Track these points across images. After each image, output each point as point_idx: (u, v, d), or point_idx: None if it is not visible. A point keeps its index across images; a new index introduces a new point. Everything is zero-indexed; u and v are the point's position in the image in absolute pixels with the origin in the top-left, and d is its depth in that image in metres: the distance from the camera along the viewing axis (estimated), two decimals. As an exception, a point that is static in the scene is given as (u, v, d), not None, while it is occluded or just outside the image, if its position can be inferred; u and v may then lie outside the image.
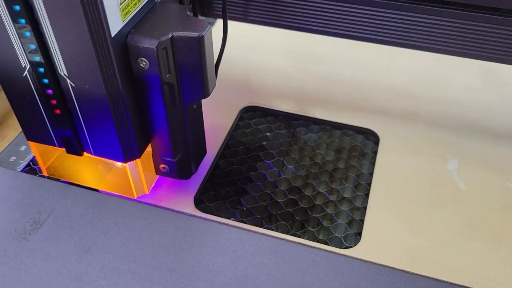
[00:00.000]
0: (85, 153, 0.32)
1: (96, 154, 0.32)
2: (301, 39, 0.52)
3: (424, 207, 0.35)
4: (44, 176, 0.38)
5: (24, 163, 0.39)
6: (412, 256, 0.32)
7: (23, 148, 0.41)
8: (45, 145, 0.33)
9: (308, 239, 0.34)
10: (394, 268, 0.30)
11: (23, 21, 0.26)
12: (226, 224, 0.34)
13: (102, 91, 0.28)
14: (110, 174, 0.34)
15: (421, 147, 0.40)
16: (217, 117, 0.42)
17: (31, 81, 0.29)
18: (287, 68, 0.48)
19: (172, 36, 0.28)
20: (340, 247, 0.34)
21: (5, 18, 0.26)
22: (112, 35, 0.26)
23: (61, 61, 0.27)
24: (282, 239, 0.32)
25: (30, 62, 0.28)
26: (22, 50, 0.27)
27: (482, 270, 0.31)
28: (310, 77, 0.47)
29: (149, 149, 0.34)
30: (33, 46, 0.27)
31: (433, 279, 0.27)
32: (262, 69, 0.48)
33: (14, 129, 0.44)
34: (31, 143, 0.34)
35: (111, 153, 0.31)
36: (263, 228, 0.35)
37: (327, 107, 0.43)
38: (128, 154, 0.31)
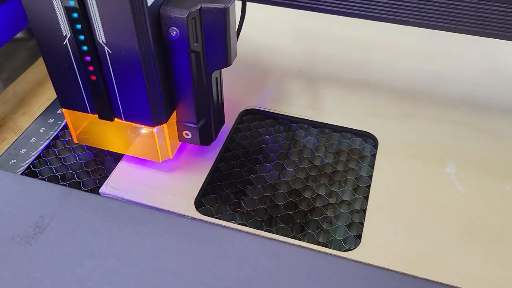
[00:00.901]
0: (115, 119, 0.35)
1: (126, 119, 0.35)
2: (300, 43, 0.52)
3: (423, 210, 0.35)
4: (44, 179, 0.38)
5: (24, 165, 0.39)
6: (412, 259, 0.33)
7: (23, 151, 0.41)
8: (78, 112, 0.36)
9: (308, 241, 0.34)
10: (396, 272, 0.30)
11: None
12: (228, 227, 0.34)
13: (136, 58, 0.30)
14: (138, 139, 0.37)
15: (420, 151, 0.40)
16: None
17: (71, 49, 0.32)
18: (286, 72, 0.48)
19: (201, 7, 0.30)
20: (340, 250, 0.34)
21: None
22: (149, 5, 0.29)
23: (101, 29, 0.30)
24: (284, 242, 0.33)
25: (72, 31, 0.30)
26: (65, 19, 0.30)
27: (482, 273, 0.32)
28: (309, 80, 0.47)
29: (173, 118, 0.36)
30: (76, 15, 0.29)
31: (434, 282, 0.27)
32: (262, 73, 0.48)
33: (14, 132, 0.44)
34: (65, 111, 0.36)
35: (141, 118, 0.34)
36: (263, 230, 0.35)
37: (326, 110, 0.44)
38: (156, 119, 0.34)
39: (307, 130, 0.42)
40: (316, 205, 0.37)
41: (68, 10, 0.29)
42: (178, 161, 0.39)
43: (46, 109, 0.45)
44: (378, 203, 0.36)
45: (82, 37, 0.30)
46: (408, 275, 0.30)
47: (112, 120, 0.35)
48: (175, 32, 0.31)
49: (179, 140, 0.38)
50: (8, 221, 0.28)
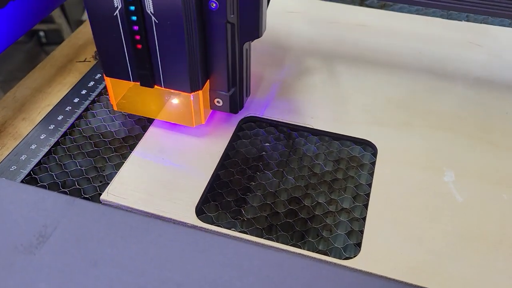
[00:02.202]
0: (155, 86, 0.39)
1: (165, 86, 0.38)
2: (299, 51, 0.53)
3: (422, 218, 0.36)
4: (45, 186, 0.38)
5: (24, 172, 0.39)
6: (411, 267, 0.33)
7: (23, 157, 0.41)
8: (119, 81, 0.39)
9: (308, 249, 0.35)
10: (396, 280, 0.30)
11: None
12: (230, 236, 0.34)
13: (181, 27, 0.34)
14: (174, 105, 0.40)
15: (418, 159, 0.40)
16: (217, 128, 0.43)
17: (120, 19, 0.35)
18: (285, 79, 0.49)
19: None
20: (340, 258, 0.34)
21: None
22: None
23: (150, 0, 0.33)
24: (287, 251, 0.33)
25: (124, 2, 0.34)
26: None
27: (480, 281, 0.32)
28: (308, 88, 0.47)
29: (206, 87, 0.40)
30: None
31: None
32: (261, 81, 0.48)
33: (13, 138, 0.44)
34: (108, 79, 0.40)
35: (179, 84, 0.38)
36: (264, 238, 0.35)
37: (326, 118, 0.44)
38: (193, 85, 0.38)
39: (307, 138, 0.43)
40: (316, 213, 0.37)
41: None
42: (179, 169, 0.39)
43: (46, 115, 0.45)
44: (377, 211, 0.36)
45: (132, 8, 0.34)
46: (410, 284, 0.30)
47: (152, 87, 0.38)
48: (214, 4, 0.34)
49: (210, 107, 0.42)
50: (12, 230, 0.28)
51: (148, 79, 0.38)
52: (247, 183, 0.39)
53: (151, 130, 0.43)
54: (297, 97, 0.46)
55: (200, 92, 0.38)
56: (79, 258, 0.26)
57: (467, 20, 0.57)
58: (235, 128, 0.43)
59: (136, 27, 0.35)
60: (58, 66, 0.52)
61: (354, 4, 0.60)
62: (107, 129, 0.44)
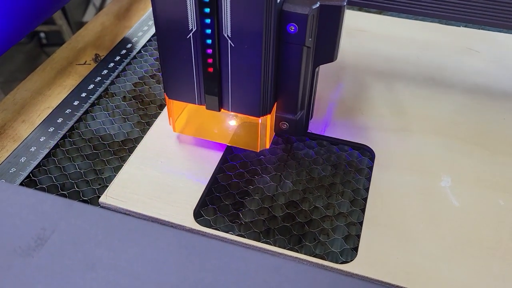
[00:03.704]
0: (221, 109, 0.37)
1: (233, 109, 0.37)
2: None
3: (419, 223, 0.36)
4: (44, 188, 0.38)
5: (24, 174, 0.40)
6: (407, 271, 0.33)
7: (23, 159, 0.41)
8: (181, 103, 0.38)
9: (305, 253, 0.35)
10: (394, 285, 0.30)
11: None
12: (228, 240, 0.35)
13: (258, 52, 0.32)
14: (239, 129, 0.39)
15: (416, 164, 0.40)
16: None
17: (193, 42, 0.33)
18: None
19: (320, 5, 0.33)
20: (336, 262, 0.34)
21: None
22: (277, 1, 0.31)
23: (229, 23, 0.32)
24: (284, 255, 0.33)
25: (201, 25, 0.32)
26: (195, 13, 0.32)
27: (476, 285, 0.32)
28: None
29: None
30: (208, 10, 0.31)
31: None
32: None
33: (13, 140, 0.44)
34: (170, 102, 0.38)
35: (248, 108, 0.36)
36: (261, 242, 0.35)
37: (324, 123, 0.44)
38: (263, 110, 0.36)
39: (305, 142, 0.43)
40: (314, 217, 0.37)
41: (201, 5, 0.31)
42: (177, 173, 0.39)
43: (46, 117, 0.45)
44: (374, 215, 0.37)
45: (209, 31, 0.32)
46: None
47: (219, 110, 0.37)
48: (293, 28, 0.33)
49: (275, 131, 0.40)
50: (10, 232, 0.28)
51: (215, 103, 0.36)
52: (245, 187, 0.39)
53: (150, 134, 0.43)
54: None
55: (268, 116, 0.37)
56: (76, 261, 0.27)
57: (465, 26, 0.58)
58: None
59: (210, 50, 0.33)
60: (58, 68, 0.53)
61: (353, 10, 0.61)
62: (106, 132, 0.44)
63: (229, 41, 0.32)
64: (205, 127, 0.40)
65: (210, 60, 0.34)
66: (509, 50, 0.53)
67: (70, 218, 0.29)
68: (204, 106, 0.37)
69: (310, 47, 0.34)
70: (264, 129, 0.38)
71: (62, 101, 0.47)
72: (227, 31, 0.32)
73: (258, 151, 0.39)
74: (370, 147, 0.42)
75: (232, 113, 0.37)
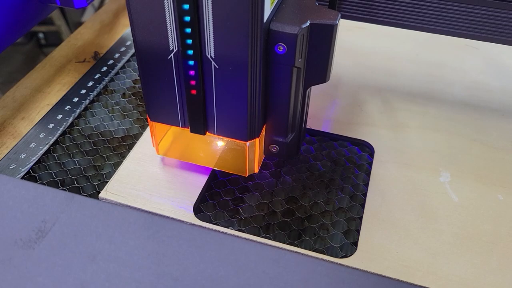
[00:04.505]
0: (207, 133, 0.35)
1: (219, 133, 0.34)
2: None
3: (418, 218, 0.36)
4: (44, 184, 0.38)
5: (24, 170, 0.40)
6: (406, 265, 0.33)
7: (23, 155, 0.41)
8: (164, 125, 0.36)
9: (305, 248, 0.35)
10: (393, 278, 0.30)
11: (186, 6, 0.28)
12: (227, 234, 0.35)
13: (244, 73, 0.30)
14: (225, 153, 0.37)
15: (415, 160, 0.41)
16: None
17: (174, 63, 0.31)
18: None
19: (310, 24, 0.30)
20: (336, 257, 0.34)
21: (167, 5, 0.29)
22: (264, 21, 0.29)
23: (211, 44, 0.29)
24: (283, 248, 0.33)
25: (182, 45, 0.30)
26: (175, 34, 0.30)
27: (474, 280, 0.32)
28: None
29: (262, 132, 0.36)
30: (189, 30, 0.29)
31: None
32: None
33: (13, 137, 0.44)
34: (153, 124, 0.36)
35: (235, 132, 0.34)
36: (261, 237, 0.35)
37: (324, 119, 0.44)
38: (251, 133, 0.34)
39: (305, 138, 0.43)
40: (313, 212, 0.37)
41: (181, 25, 0.29)
42: (177, 168, 0.39)
43: (45, 114, 0.45)
44: (374, 210, 0.37)
45: (190, 52, 0.30)
46: (406, 282, 0.30)
47: (204, 134, 0.35)
48: (282, 48, 0.31)
49: (264, 154, 0.38)
50: (11, 225, 0.28)
51: (200, 126, 0.34)
52: (245, 183, 0.39)
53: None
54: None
55: (257, 139, 0.35)
56: (77, 253, 0.27)
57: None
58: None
59: (192, 72, 0.31)
60: (57, 66, 0.53)
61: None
62: (106, 128, 0.44)
63: (213, 62, 0.30)
64: (191, 150, 0.38)
65: (193, 82, 0.32)
66: (507, 47, 0.54)
67: (71, 211, 0.29)
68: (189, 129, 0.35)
69: (301, 68, 0.32)
70: (253, 153, 0.36)
71: (62, 98, 0.47)
72: (210, 52, 0.30)
73: (247, 175, 0.37)
74: (370, 142, 0.42)
75: (219, 137, 0.35)
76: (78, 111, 0.46)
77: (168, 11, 0.29)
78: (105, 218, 0.28)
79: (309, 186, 0.39)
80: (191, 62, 0.31)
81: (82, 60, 0.54)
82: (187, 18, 0.28)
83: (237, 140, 0.35)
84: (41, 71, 0.52)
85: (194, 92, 0.32)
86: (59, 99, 0.47)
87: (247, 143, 0.34)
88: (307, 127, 0.43)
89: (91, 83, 0.49)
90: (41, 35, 1.44)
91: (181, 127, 0.35)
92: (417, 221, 0.36)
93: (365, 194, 0.38)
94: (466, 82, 0.49)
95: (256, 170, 0.37)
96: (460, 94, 0.47)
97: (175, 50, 0.31)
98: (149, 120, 0.36)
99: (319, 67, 0.33)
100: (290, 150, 0.37)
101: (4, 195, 0.29)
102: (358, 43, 0.54)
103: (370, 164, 0.40)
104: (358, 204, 0.38)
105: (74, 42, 0.57)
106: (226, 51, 0.29)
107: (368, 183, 0.39)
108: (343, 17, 0.42)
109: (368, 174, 0.40)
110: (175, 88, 0.33)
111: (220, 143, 0.37)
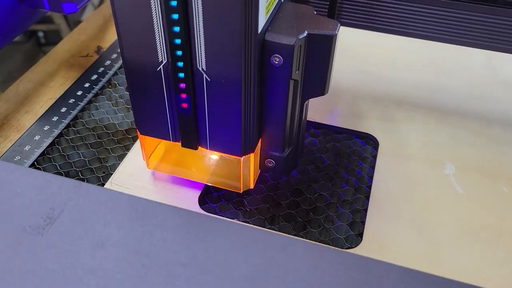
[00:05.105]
0: (199, 147, 0.33)
1: (212, 148, 0.33)
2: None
3: (423, 210, 0.36)
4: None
5: (28, 162, 0.40)
6: (411, 256, 0.33)
7: (27, 148, 0.41)
8: (154, 139, 0.34)
9: (310, 239, 0.35)
10: (401, 266, 0.30)
11: (176, 16, 0.26)
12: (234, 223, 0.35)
13: (238, 86, 0.28)
14: (219, 168, 0.35)
15: (419, 152, 0.41)
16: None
17: (164, 75, 0.30)
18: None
19: (308, 34, 0.29)
20: (342, 248, 0.34)
21: (156, 15, 0.27)
22: (258, 32, 0.27)
23: (203, 55, 0.28)
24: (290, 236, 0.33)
25: (172, 57, 0.28)
26: (164, 45, 0.28)
27: (480, 271, 0.33)
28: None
29: (257, 147, 0.35)
30: (178, 41, 0.27)
31: (442, 278, 0.28)
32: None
33: (17, 130, 0.44)
34: (142, 137, 0.34)
35: (228, 147, 0.32)
36: (266, 228, 0.35)
37: (329, 112, 0.44)
38: (245, 148, 0.32)
39: (309, 131, 0.43)
40: (318, 204, 0.37)
41: (170, 35, 0.27)
42: (182, 160, 0.39)
43: (49, 108, 0.45)
44: (378, 202, 0.37)
45: (181, 64, 0.29)
46: (415, 270, 0.30)
47: (196, 148, 0.33)
48: (278, 60, 0.29)
49: (260, 169, 0.36)
50: (20, 212, 0.28)
51: (191, 141, 0.33)
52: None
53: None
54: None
55: (252, 154, 0.33)
56: (86, 239, 0.27)
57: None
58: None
59: (183, 85, 0.29)
60: (60, 61, 0.53)
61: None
62: (110, 121, 0.44)
63: (204, 75, 0.29)
64: (183, 165, 0.37)
65: (183, 95, 0.30)
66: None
67: (79, 198, 0.29)
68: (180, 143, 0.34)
69: (298, 80, 0.31)
70: (247, 168, 0.34)
71: (66, 91, 0.47)
72: (201, 64, 0.28)
73: (241, 191, 0.36)
74: (374, 135, 0.42)
75: (212, 152, 0.34)
76: (82, 104, 0.46)
77: (157, 21, 0.27)
78: (113, 205, 0.28)
79: (314, 179, 0.39)
80: (182, 75, 0.29)
81: (85, 54, 0.54)
82: (177, 29, 0.27)
83: (231, 156, 0.33)
84: (44, 66, 0.52)
85: (185, 105, 0.31)
86: (62, 92, 0.47)
87: (242, 159, 0.33)
88: (311, 119, 0.43)
89: (94, 76, 0.49)
90: (40, 33, 1.44)
91: (172, 141, 0.34)
92: (421, 213, 0.36)
93: (369, 187, 0.38)
94: (471, 76, 0.49)
95: (251, 186, 0.36)
96: (464, 88, 0.48)
97: (164, 62, 0.29)
98: (138, 133, 0.35)
99: (317, 79, 0.31)
100: (287, 165, 0.36)
101: (13, 183, 0.29)
102: (361, 38, 0.54)
103: (375, 157, 0.41)
104: (363, 196, 0.38)
105: (77, 37, 0.57)
106: (218, 63, 0.28)
107: (372, 176, 0.39)
108: (343, 24, 0.41)
109: (372, 166, 0.40)
110: (165, 101, 0.31)
111: (214, 158, 0.35)
